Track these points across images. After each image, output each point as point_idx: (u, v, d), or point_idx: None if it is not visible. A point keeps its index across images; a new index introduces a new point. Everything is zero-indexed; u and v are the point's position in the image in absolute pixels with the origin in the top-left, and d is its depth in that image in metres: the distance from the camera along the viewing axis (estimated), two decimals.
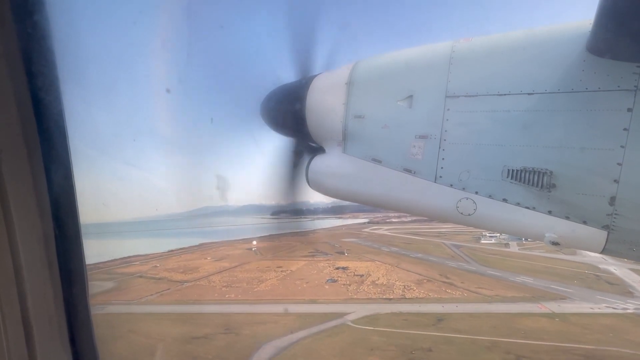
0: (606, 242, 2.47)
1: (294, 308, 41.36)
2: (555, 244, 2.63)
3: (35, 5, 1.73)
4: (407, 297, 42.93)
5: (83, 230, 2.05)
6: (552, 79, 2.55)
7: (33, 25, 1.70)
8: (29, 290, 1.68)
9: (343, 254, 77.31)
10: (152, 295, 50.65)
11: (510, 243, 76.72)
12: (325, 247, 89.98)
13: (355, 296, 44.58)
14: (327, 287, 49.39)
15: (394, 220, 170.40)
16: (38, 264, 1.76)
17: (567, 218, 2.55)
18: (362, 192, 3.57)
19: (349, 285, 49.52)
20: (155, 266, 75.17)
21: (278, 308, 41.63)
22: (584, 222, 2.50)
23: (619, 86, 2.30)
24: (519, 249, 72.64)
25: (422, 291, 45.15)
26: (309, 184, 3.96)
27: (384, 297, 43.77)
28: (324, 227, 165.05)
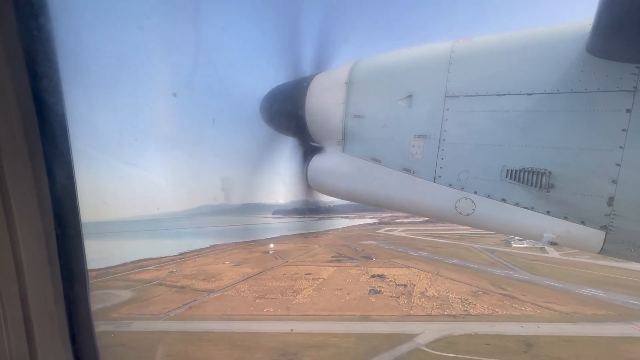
0: (604, 242, 2.48)
1: (349, 327, 36.95)
2: (553, 244, 2.64)
3: (39, 6, 1.74)
4: (472, 314, 38.60)
5: (85, 230, 2.06)
6: (551, 80, 2.55)
7: (36, 26, 1.71)
8: (30, 288, 1.69)
9: (370, 259, 73.16)
10: (179, 308, 46.17)
11: (546, 248, 72.69)
12: (347, 250, 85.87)
13: (411, 312, 40.18)
14: (372, 299, 45.02)
15: (404, 220, 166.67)
16: (39, 262, 1.77)
17: (566, 218, 2.57)
18: (361, 192, 3.55)
19: (397, 297, 45.17)
20: (172, 272, 70.84)
21: (331, 326, 37.20)
22: (582, 223, 2.51)
23: (618, 87, 2.30)
24: (560, 255, 68.47)
25: (485, 306, 40.80)
26: (308, 183, 3.94)
27: (445, 313, 39.40)
28: (334, 227, 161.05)
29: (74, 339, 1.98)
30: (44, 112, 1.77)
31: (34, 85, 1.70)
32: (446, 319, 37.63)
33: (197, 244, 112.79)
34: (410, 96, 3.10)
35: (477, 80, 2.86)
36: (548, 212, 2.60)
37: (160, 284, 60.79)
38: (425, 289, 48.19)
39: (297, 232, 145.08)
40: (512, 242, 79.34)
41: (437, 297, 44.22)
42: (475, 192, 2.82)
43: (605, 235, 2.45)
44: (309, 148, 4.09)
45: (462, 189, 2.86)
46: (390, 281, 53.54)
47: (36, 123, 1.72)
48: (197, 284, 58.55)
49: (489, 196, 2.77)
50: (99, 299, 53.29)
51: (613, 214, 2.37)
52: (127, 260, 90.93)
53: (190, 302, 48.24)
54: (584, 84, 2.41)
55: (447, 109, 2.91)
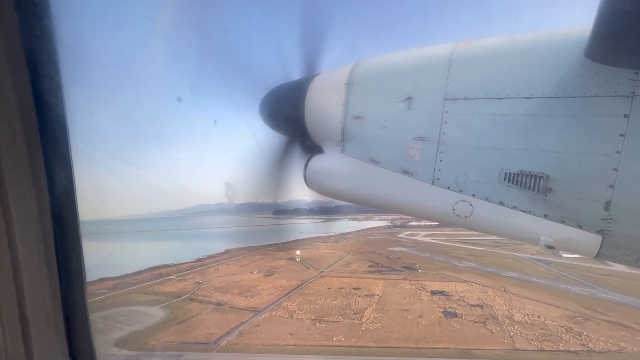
0: (600, 246, 2.49)
1: None
2: (550, 247, 2.64)
3: (41, 7, 1.75)
4: (596, 350, 32.53)
5: (86, 230, 2.06)
6: (550, 84, 2.55)
7: (38, 26, 1.73)
8: (27, 287, 1.69)
9: (415, 270, 67.01)
10: (227, 334, 39.70)
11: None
12: (381, 259, 79.82)
13: (516, 344, 34.02)
14: (455, 325, 38.85)
15: (419, 224, 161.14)
16: (37, 262, 1.77)
17: (563, 222, 2.57)
18: (360, 193, 3.55)
19: (483, 323, 39.07)
20: (199, 283, 64.23)
21: None
22: (579, 227, 2.52)
23: (616, 92, 2.31)
24: (626, 269, 62.80)
25: (601, 338, 34.71)
26: (307, 184, 3.93)
27: (560, 347, 33.28)
28: (348, 230, 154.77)
29: (70, 339, 1.96)
30: (45, 112, 1.76)
31: (35, 85, 1.70)
32: (568, 358, 31.54)
33: (211, 248, 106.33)
34: (409, 98, 3.11)
35: (477, 83, 2.85)
36: (545, 216, 2.61)
37: (191, 299, 54.18)
38: (508, 311, 42.12)
39: (313, 235, 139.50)
40: (560, 252, 73.64)
41: (532, 324, 38.17)
42: (474, 195, 2.82)
43: (602, 239, 2.46)
44: (308, 148, 4.10)
45: (461, 191, 2.86)
46: (458, 300, 47.44)
47: (36, 123, 1.72)
48: (235, 300, 52.08)
49: (487, 199, 2.77)
50: (128, 318, 46.65)
51: (610, 219, 2.37)
52: (142, 268, 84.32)
53: (238, 326, 41.77)
54: (583, 88, 2.42)
55: (447, 112, 2.90)
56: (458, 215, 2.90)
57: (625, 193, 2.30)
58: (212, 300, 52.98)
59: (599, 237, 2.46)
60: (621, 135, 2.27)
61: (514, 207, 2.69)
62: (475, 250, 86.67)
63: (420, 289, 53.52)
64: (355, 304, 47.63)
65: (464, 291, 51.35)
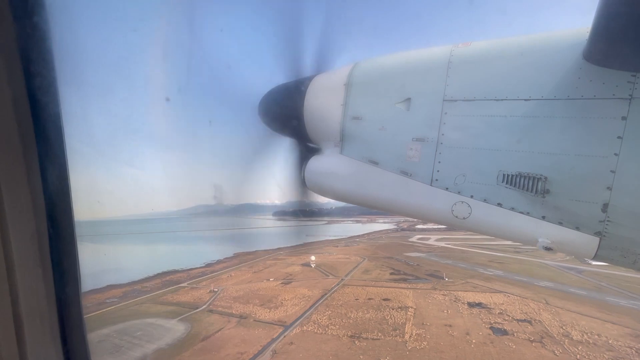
0: (598, 248, 2.48)
1: None
2: (547, 249, 2.62)
3: (35, 5, 1.74)
4: None
5: (84, 231, 2.08)
6: (548, 86, 2.55)
7: (32, 25, 1.72)
8: (21, 288, 1.68)
9: (441, 278, 63.80)
10: (260, 353, 36.12)
11: None
12: (402, 266, 76.63)
13: None
14: (510, 344, 35.55)
15: (425, 227, 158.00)
16: (31, 261, 1.76)
17: (560, 224, 2.56)
18: (359, 194, 3.53)
19: (540, 342, 35.78)
20: (214, 291, 60.69)
21: None
22: (577, 228, 2.51)
23: (614, 94, 2.31)
24: None
25: None
26: (305, 184, 3.90)
27: None
28: (354, 234, 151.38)
29: (65, 340, 1.95)
30: (39, 111, 1.75)
31: (30, 84, 1.69)
32: None
33: (218, 252, 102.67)
34: (408, 99, 3.10)
35: (475, 84, 2.84)
36: (543, 217, 2.61)
37: (210, 311, 50.56)
38: (562, 328, 38.90)
39: (321, 238, 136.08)
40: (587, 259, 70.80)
41: (596, 344, 34.94)
42: (472, 196, 2.81)
43: (600, 241, 2.45)
44: (307, 149, 4.10)
45: (459, 192, 2.86)
46: (501, 313, 44.18)
47: (31, 122, 1.71)
48: (258, 312, 48.54)
49: (485, 200, 2.77)
50: (146, 333, 42.87)
51: (607, 220, 2.37)
52: (150, 274, 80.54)
53: (270, 343, 38.20)
54: (581, 90, 2.42)
55: (445, 113, 2.89)
56: (456, 217, 2.89)
57: (622, 195, 2.30)
58: (234, 312, 49.40)
59: (596, 239, 2.46)
60: (619, 137, 2.28)
61: (512, 209, 2.69)
62: (496, 257, 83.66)
63: (454, 301, 50.24)
64: (390, 317, 44.23)
65: (502, 303, 48.11)
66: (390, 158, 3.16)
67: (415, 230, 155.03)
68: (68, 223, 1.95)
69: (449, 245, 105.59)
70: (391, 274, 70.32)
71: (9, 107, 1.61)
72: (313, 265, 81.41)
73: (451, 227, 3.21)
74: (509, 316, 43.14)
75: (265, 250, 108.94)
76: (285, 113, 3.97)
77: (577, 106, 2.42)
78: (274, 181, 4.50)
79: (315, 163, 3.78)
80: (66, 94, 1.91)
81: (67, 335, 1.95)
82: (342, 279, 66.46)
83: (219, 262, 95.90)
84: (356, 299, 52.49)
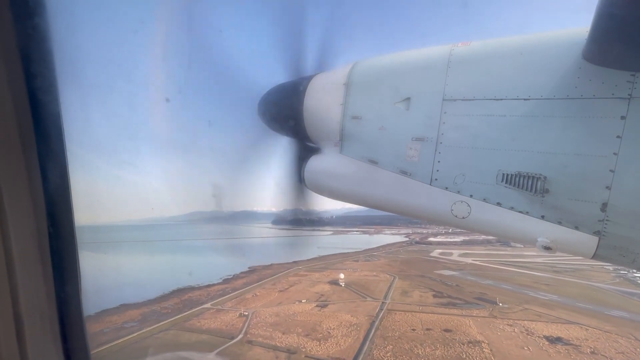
0: (597, 247, 2.49)
1: None
2: (547, 248, 2.61)
3: (36, 6, 1.75)
4: None
5: (83, 238, 2.05)
6: (548, 85, 2.55)
7: (32, 25, 1.72)
8: (21, 286, 1.69)
9: (495, 303, 57.79)
10: None
11: None
12: (442, 287, 70.67)
13: None
14: None
15: (440, 239, 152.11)
16: (31, 260, 1.77)
17: (560, 223, 2.56)
18: (358, 193, 3.52)
19: None
20: (244, 315, 54.09)
21: None
22: (576, 228, 2.51)
23: (613, 94, 2.31)
24: None
25: None
26: (305, 184, 3.88)
27: None
28: (369, 246, 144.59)
29: (65, 338, 1.96)
30: (39, 112, 1.76)
31: (30, 84, 1.70)
32: None
33: (232, 265, 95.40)
34: (408, 99, 3.08)
35: (475, 84, 2.83)
36: (542, 217, 2.60)
37: (249, 342, 43.96)
38: None
39: (335, 251, 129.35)
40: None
41: None
42: (471, 196, 2.80)
43: (599, 240, 2.45)
44: (306, 149, 4.05)
45: (458, 192, 2.84)
46: (593, 353, 38.33)
47: (31, 122, 1.71)
48: (307, 345, 42.15)
49: (484, 200, 2.76)
50: None
51: (606, 220, 2.37)
52: (166, 291, 73.51)
53: None
54: (580, 90, 2.42)
55: (445, 112, 2.88)
56: (456, 216, 2.88)
57: (621, 194, 2.30)
58: (277, 344, 42.93)
59: (595, 238, 2.46)
60: (618, 136, 2.28)
61: (512, 208, 2.68)
62: (538, 277, 77.78)
63: (527, 333, 44.27)
64: (467, 356, 38.04)
65: (586, 339, 42.19)
66: (390, 157, 3.15)
67: (430, 243, 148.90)
68: (68, 222, 1.94)
69: (477, 262, 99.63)
70: (434, 296, 64.36)
71: (9, 107, 1.60)
72: (343, 284, 75.01)
73: (450, 226, 3.03)
74: (606, 357, 37.19)
75: (281, 264, 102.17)
76: (285, 112, 3.93)
77: (577, 106, 2.41)
78: (273, 181, 4.36)
79: (314, 162, 3.77)
80: (66, 94, 1.88)
81: (67, 333, 1.95)
82: (383, 302, 60.26)
83: (236, 277, 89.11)
84: (413, 330, 46.32)
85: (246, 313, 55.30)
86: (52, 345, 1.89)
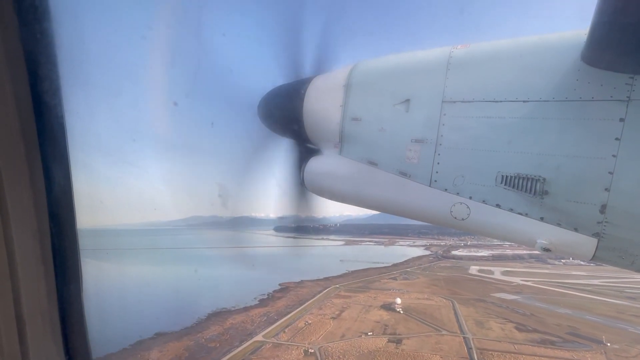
0: (596, 249, 2.49)
1: None
2: (546, 250, 2.63)
3: (41, 9, 1.75)
4: None
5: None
6: (547, 87, 2.56)
7: (38, 28, 1.74)
8: (23, 286, 1.69)
9: (600, 342, 49.31)
10: None
11: None
12: (514, 316, 61.98)
13: None
14: None
15: (464, 253, 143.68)
16: (33, 261, 1.77)
17: (559, 225, 2.57)
18: (358, 194, 3.52)
19: None
20: (309, 352, 45.26)
21: None
22: (575, 229, 2.51)
23: (611, 96, 2.31)
24: None
25: None
26: (304, 185, 3.89)
27: None
28: (397, 260, 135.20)
29: (66, 338, 1.96)
30: (43, 114, 1.77)
31: (34, 86, 1.71)
32: None
33: (259, 281, 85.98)
34: (407, 100, 3.07)
35: (474, 86, 2.83)
36: (542, 219, 2.60)
37: None
38: None
39: (364, 265, 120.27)
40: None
41: None
42: (471, 197, 2.80)
43: (598, 242, 2.45)
44: (306, 150, 4.04)
45: (458, 193, 2.84)
46: None
47: (34, 124, 1.72)
48: None
49: (483, 201, 2.75)
50: None
51: (605, 222, 2.37)
52: (202, 315, 64.31)
53: None
54: (579, 92, 2.41)
55: (444, 114, 2.88)
56: (455, 218, 2.88)
57: (620, 196, 2.30)
58: None
59: (594, 240, 2.46)
60: (617, 139, 2.28)
61: (511, 210, 2.68)
62: (616, 305, 69.02)
63: None
64: None
65: None
66: (390, 159, 3.14)
67: (461, 258, 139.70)
68: (70, 223, 1.94)
69: (529, 283, 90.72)
70: (517, 329, 55.88)
71: (13, 109, 1.61)
72: (401, 311, 66.15)
73: (450, 228, 3.10)
74: None
75: (312, 281, 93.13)
76: (285, 114, 3.93)
77: (575, 108, 2.42)
78: (275, 184, 4.34)
79: (314, 164, 3.77)
80: (70, 97, 1.90)
81: (68, 333, 1.96)
82: (465, 337, 51.57)
83: (271, 297, 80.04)
84: None
85: (312, 350, 46.43)
86: (54, 346, 1.89)
